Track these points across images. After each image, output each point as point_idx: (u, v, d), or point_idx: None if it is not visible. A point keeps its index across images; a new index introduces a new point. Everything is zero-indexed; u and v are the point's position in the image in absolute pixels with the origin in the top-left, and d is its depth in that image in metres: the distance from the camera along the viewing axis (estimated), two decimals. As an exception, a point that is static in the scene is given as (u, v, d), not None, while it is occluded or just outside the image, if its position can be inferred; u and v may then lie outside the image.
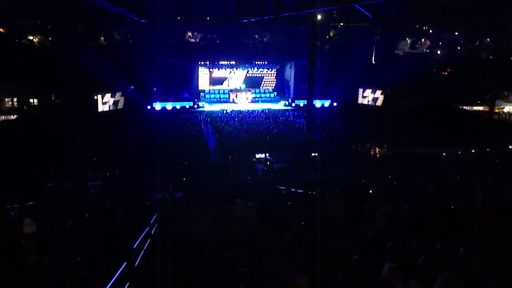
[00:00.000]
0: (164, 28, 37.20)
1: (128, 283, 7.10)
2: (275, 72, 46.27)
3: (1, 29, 40.81)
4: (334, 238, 6.85)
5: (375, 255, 5.64)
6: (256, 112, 41.20)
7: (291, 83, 44.85)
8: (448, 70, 45.56)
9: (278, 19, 29.30)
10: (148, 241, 9.97)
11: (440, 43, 54.30)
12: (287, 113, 41.91)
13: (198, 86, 44.20)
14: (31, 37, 42.55)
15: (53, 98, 37.94)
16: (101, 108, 36.22)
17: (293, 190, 17.38)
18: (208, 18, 36.99)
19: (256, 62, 45.17)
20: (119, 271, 6.87)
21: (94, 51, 36.97)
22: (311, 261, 5.67)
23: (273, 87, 46.57)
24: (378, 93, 41.17)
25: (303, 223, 8.95)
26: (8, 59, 31.56)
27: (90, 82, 34.56)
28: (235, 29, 42.98)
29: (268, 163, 29.39)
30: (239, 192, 17.03)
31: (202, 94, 44.47)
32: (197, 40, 51.60)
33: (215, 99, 44.53)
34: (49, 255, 6.73)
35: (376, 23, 36.17)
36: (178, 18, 35.17)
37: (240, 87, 45.16)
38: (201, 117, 40.20)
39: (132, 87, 39.06)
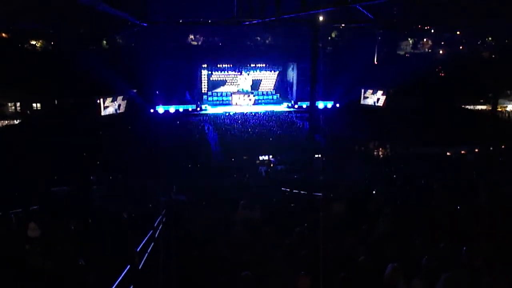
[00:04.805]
0: (166, 31, 37.25)
1: (131, 286, 7.12)
2: (277, 74, 46.18)
3: (3, 34, 40.98)
4: (337, 239, 6.85)
5: (379, 255, 5.65)
6: (259, 114, 41.20)
7: (294, 85, 44.84)
8: (450, 69, 45.42)
9: (280, 21, 29.29)
10: (152, 244, 9.98)
11: (442, 43, 54.25)
12: (290, 115, 41.88)
13: (200, 89, 44.19)
14: (33, 42, 42.72)
15: (56, 102, 38.00)
16: (104, 112, 36.25)
17: (297, 191, 17.35)
18: (209, 21, 37.01)
19: (258, 65, 45.14)
20: (123, 274, 6.89)
21: (97, 55, 37.05)
22: (315, 262, 5.67)
23: (271, 89, 46.50)
24: (380, 94, 41.12)
25: (306, 224, 8.94)
26: (11, 63, 31.66)
27: (93, 86, 34.57)
28: (237, 31, 42.99)
29: (271, 165, 29.36)
30: (243, 194, 17.00)
31: (204, 96, 44.46)
32: (199, 43, 51.68)
33: (218, 102, 44.52)
34: (53, 259, 6.76)
35: (378, 23, 36.17)
36: (180, 21, 35.19)
37: (243, 89, 45.14)
38: (204, 120, 40.25)
39: (135, 90, 39.06)
